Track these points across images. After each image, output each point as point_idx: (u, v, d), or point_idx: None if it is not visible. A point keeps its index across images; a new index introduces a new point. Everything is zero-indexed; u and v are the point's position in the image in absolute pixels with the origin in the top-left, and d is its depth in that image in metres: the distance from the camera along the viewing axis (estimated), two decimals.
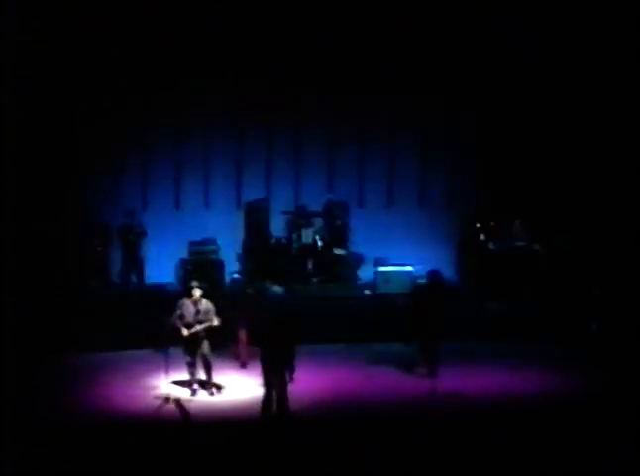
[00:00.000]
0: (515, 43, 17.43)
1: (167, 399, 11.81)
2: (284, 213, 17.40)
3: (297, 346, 11.34)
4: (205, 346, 12.45)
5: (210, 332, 12.50)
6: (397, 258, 16.85)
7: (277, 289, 15.89)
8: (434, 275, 13.77)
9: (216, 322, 12.43)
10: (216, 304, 12.66)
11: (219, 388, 12.64)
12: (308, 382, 12.05)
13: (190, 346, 12.39)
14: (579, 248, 16.59)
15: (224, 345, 13.52)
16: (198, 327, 12.34)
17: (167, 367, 12.21)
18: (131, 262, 16.62)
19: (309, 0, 17.33)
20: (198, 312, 12.43)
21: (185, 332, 12.33)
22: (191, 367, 12.47)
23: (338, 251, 16.95)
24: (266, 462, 9.74)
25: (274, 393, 11.03)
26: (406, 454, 9.98)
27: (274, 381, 11.03)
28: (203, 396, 12.39)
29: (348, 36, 17.49)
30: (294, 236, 16.99)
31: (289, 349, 11.21)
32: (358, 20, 17.39)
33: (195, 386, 12.47)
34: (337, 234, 17.36)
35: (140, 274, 16.65)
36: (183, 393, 12.35)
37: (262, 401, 11.08)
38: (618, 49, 16.83)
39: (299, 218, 17.19)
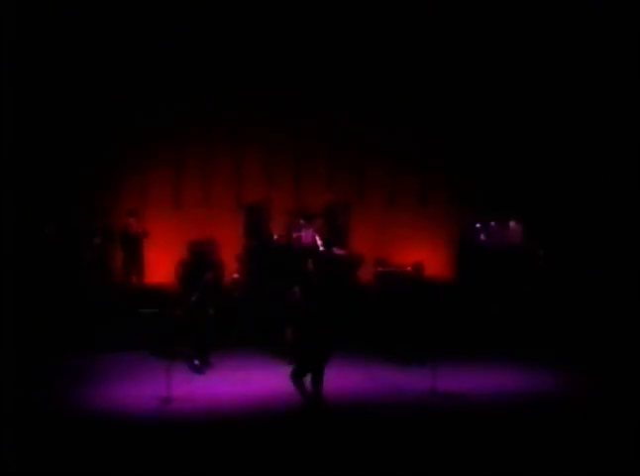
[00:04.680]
0: (515, 43, 17.47)
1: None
2: (285, 213, 17.41)
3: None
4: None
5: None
6: (397, 258, 16.85)
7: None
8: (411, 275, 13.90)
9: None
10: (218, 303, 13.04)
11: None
12: (308, 382, 12.01)
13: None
14: (577, 247, 16.65)
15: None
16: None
17: (168, 367, 12.20)
18: (131, 261, 16.62)
19: (310, 3, 17.38)
20: None
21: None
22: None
23: (338, 251, 16.95)
24: (268, 461, 9.74)
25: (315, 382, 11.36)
26: (406, 454, 9.98)
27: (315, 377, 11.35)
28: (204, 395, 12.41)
29: (347, 37, 17.54)
30: (292, 236, 16.99)
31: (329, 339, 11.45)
32: (357, 21, 17.44)
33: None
34: (337, 234, 17.37)
35: (140, 273, 16.63)
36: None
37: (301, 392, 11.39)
38: (616, 51, 16.87)
39: (299, 218, 17.19)
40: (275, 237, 17.01)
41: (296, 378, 11.44)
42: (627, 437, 10.35)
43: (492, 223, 16.93)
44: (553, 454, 9.98)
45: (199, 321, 13.34)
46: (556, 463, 9.74)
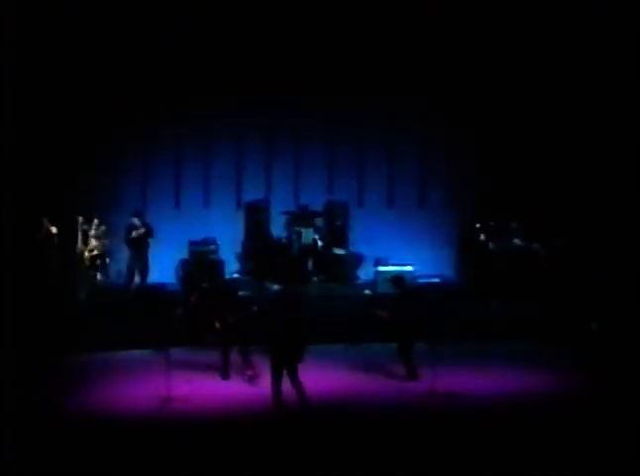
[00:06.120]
0: (515, 43, 17.47)
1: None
2: (285, 213, 17.41)
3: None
4: None
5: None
6: (397, 258, 16.86)
7: (276, 288, 15.87)
8: (398, 281, 13.70)
9: None
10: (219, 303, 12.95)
11: None
12: (307, 382, 12.03)
13: None
14: (577, 247, 16.63)
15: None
16: None
17: (168, 367, 12.20)
18: (137, 261, 16.58)
19: (310, 2, 17.38)
20: None
21: None
22: None
23: (338, 251, 16.95)
24: (267, 461, 9.75)
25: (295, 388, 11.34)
26: (406, 454, 9.99)
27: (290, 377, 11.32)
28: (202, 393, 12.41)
29: (347, 36, 17.53)
30: (294, 236, 16.99)
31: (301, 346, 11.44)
32: (358, 20, 17.43)
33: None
34: (337, 234, 17.38)
35: (144, 274, 16.62)
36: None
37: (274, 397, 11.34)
38: (616, 51, 16.87)
39: (299, 218, 17.19)
40: (275, 237, 17.01)
41: (272, 377, 11.42)
42: (627, 437, 10.35)
43: (492, 223, 16.93)
44: (553, 454, 9.99)
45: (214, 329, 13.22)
46: (556, 463, 9.74)
